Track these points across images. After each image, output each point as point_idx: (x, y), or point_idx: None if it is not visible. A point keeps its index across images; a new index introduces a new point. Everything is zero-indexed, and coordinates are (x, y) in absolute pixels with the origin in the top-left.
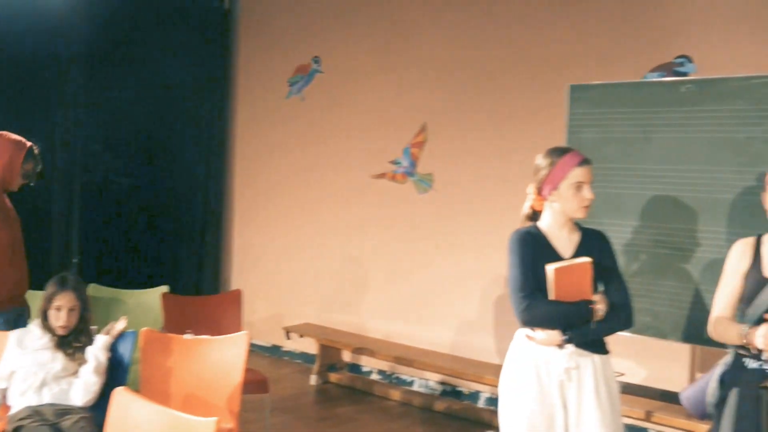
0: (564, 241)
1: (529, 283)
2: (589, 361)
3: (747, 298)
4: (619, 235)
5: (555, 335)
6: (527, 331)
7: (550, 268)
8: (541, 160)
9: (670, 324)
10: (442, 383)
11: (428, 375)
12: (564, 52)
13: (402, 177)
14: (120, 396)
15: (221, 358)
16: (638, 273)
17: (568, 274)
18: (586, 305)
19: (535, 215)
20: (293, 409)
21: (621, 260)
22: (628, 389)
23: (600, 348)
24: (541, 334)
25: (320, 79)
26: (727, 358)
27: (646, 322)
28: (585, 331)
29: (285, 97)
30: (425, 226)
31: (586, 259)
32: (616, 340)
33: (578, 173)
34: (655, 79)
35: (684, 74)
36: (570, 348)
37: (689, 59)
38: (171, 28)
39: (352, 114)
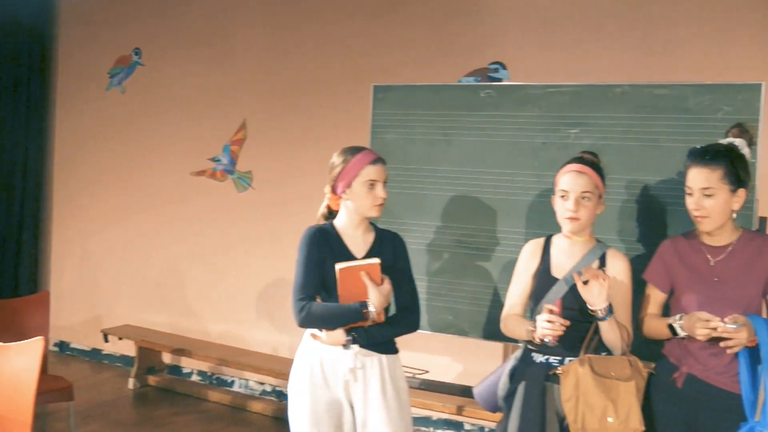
0: (358, 240)
1: (309, 285)
2: (375, 361)
3: (536, 296)
4: (422, 236)
5: (339, 335)
6: (315, 330)
7: (337, 267)
8: (335, 158)
9: (471, 322)
10: (262, 383)
11: (248, 375)
12: (381, 55)
13: (222, 175)
14: None
15: (13, 366)
16: (440, 272)
17: (355, 274)
18: (360, 307)
19: (332, 215)
20: (107, 416)
21: (423, 260)
22: (441, 387)
23: (388, 348)
24: (325, 333)
25: (141, 72)
26: (517, 353)
27: (448, 321)
28: (370, 332)
29: (105, 89)
30: (245, 224)
31: (375, 260)
32: (428, 339)
33: (370, 171)
34: (454, 83)
35: (498, 80)
36: (355, 348)
37: (503, 66)
38: None
39: (172, 108)
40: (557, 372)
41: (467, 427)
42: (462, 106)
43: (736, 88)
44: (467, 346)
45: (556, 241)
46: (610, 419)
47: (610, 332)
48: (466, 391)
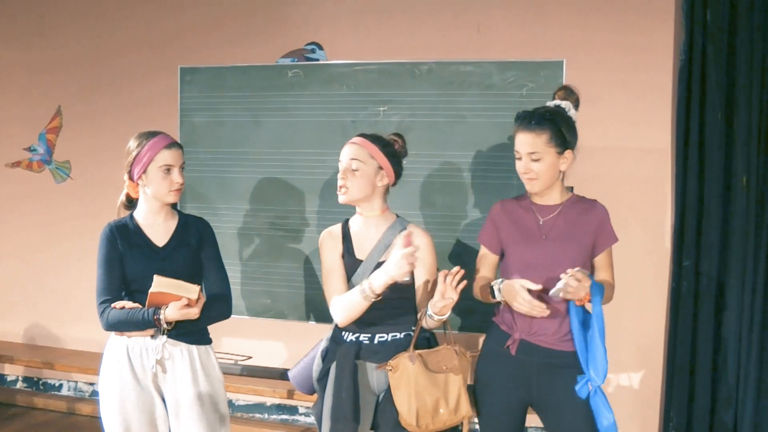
0: (159, 228)
1: (109, 287)
2: (185, 351)
3: (348, 279)
4: (234, 220)
5: None
6: None
7: (155, 279)
8: (131, 143)
9: (289, 304)
10: (92, 383)
11: (77, 377)
12: (192, 36)
13: (38, 165)
14: None
15: None
16: (254, 256)
17: (169, 294)
18: (152, 315)
19: (133, 203)
20: None
21: (236, 244)
22: (267, 372)
23: (199, 338)
24: None
25: None
26: (328, 333)
27: (266, 304)
28: (179, 323)
29: None
30: (65, 218)
31: (194, 291)
32: (251, 324)
33: (166, 156)
34: (260, 64)
35: (315, 60)
36: (163, 338)
37: (319, 46)
38: None
39: None
40: (386, 368)
41: (302, 410)
42: (270, 87)
43: (539, 65)
44: (296, 329)
45: (353, 222)
46: (441, 410)
47: (437, 325)
48: None
